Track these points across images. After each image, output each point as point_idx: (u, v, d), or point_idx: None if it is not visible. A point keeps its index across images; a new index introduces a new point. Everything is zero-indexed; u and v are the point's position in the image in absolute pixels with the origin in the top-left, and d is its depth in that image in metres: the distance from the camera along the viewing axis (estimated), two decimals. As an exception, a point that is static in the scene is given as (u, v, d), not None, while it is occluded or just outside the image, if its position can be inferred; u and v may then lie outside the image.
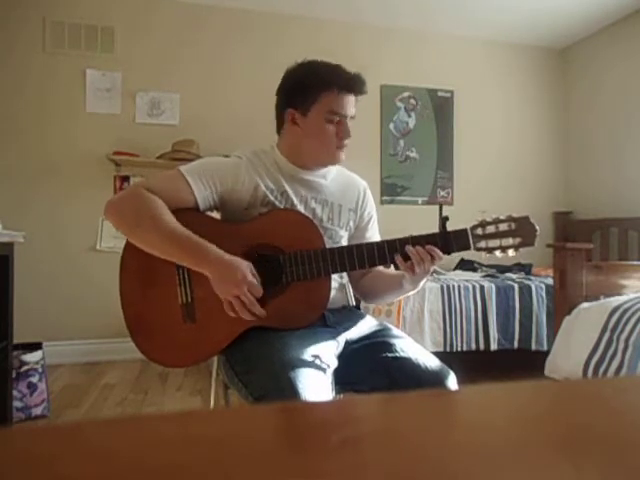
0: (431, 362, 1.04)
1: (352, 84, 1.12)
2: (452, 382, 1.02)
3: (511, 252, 1.03)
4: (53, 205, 2.97)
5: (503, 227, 1.03)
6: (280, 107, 1.18)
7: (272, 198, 1.12)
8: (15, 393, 1.91)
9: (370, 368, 1.06)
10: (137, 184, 1.09)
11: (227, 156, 1.19)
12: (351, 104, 1.14)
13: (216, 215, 1.17)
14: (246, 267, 0.99)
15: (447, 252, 1.04)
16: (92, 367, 2.82)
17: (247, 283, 0.97)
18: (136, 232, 1.03)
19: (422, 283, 1.11)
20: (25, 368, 1.98)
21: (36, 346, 2.07)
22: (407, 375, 1.01)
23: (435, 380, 1.00)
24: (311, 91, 1.11)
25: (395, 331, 1.16)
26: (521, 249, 1.04)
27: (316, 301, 1.07)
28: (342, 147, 1.16)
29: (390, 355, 1.05)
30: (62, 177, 2.98)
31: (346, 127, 1.14)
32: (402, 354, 1.05)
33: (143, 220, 1.01)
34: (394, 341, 1.09)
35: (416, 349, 1.08)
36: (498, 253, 1.04)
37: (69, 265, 2.97)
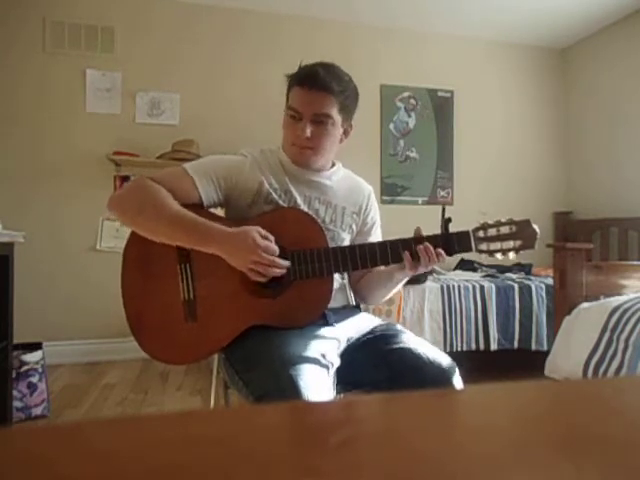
0: (432, 352, 1.03)
1: (304, 77, 1.07)
2: (453, 371, 1.00)
3: (512, 255, 1.04)
4: (53, 205, 2.97)
5: (504, 230, 1.04)
6: None
7: (275, 196, 1.12)
8: (15, 393, 1.91)
9: (371, 362, 1.05)
10: (141, 177, 1.08)
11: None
12: (308, 101, 1.07)
13: (220, 212, 1.17)
14: (253, 231, 0.98)
15: (449, 253, 1.04)
16: (92, 367, 2.82)
17: (259, 246, 0.97)
18: (138, 220, 1.03)
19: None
20: (25, 368, 1.98)
21: (36, 346, 2.07)
22: (408, 366, 1.00)
23: (436, 370, 0.99)
24: (288, 87, 1.15)
25: (396, 326, 1.15)
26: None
27: (318, 300, 1.07)
28: (297, 144, 1.12)
29: (389, 347, 1.05)
30: (62, 177, 2.98)
31: (301, 125, 1.09)
32: (402, 345, 1.04)
33: (146, 208, 1.01)
34: (394, 333, 1.09)
35: (417, 340, 1.07)
36: (499, 256, 1.05)
37: (69, 265, 2.97)
